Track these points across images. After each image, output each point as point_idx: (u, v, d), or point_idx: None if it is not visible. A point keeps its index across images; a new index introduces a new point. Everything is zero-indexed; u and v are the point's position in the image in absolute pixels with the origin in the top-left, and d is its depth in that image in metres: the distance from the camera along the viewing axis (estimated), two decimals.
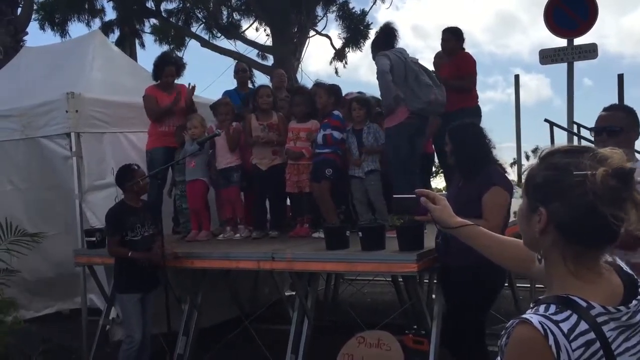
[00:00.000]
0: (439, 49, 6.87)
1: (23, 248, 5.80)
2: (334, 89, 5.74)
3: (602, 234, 1.31)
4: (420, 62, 5.47)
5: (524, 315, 1.29)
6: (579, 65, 8.16)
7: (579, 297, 1.30)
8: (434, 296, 4.67)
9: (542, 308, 1.31)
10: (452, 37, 6.64)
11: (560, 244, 1.35)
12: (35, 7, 15.64)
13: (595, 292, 1.32)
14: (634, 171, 1.31)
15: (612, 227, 1.29)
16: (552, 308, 1.29)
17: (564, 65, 8.01)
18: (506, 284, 6.01)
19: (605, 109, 3.20)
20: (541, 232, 1.36)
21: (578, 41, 7.89)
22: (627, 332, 1.32)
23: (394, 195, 2.29)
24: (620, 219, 1.28)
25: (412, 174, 5.29)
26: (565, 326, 1.25)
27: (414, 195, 2.09)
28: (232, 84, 7.19)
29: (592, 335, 1.26)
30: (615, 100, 8.44)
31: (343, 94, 5.91)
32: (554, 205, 1.34)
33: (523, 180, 1.48)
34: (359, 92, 6.24)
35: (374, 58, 5.44)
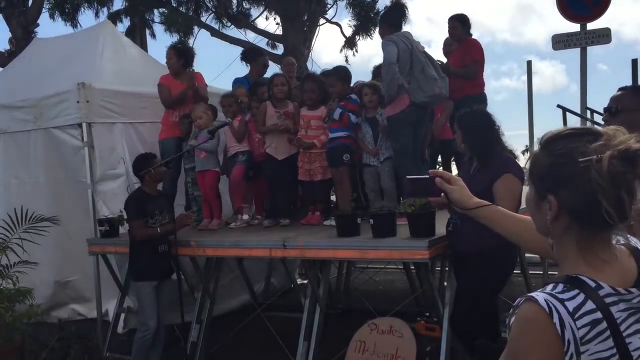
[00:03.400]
0: None
1: (38, 237, 5.85)
2: (344, 73, 5.66)
3: (614, 214, 1.29)
4: (432, 50, 5.48)
5: (530, 294, 1.30)
6: (594, 51, 8.13)
7: (589, 278, 1.30)
8: (445, 283, 4.67)
9: (549, 287, 1.31)
10: (459, 24, 6.60)
11: (573, 229, 1.35)
12: None
13: (606, 274, 1.31)
14: (638, 151, 1.28)
15: (624, 206, 1.28)
16: (560, 287, 1.30)
17: (579, 52, 7.92)
18: (518, 271, 5.99)
19: (618, 89, 3.17)
20: (553, 219, 1.36)
21: (591, 26, 7.80)
22: (639, 314, 1.31)
23: (407, 177, 2.25)
24: (626, 199, 1.27)
25: (414, 161, 5.27)
26: (571, 305, 1.25)
27: (428, 176, 2.05)
28: (241, 74, 7.18)
29: (598, 315, 1.25)
30: None
31: (352, 81, 5.89)
32: (562, 193, 1.33)
33: (528, 168, 1.47)
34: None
35: (381, 34, 5.44)
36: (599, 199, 1.27)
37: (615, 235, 1.37)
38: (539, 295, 1.28)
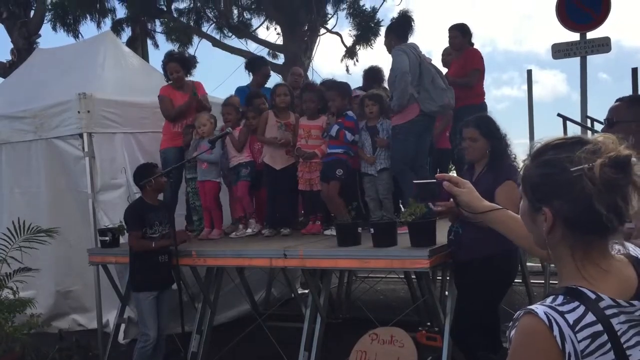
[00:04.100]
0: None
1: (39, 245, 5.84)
2: (346, 90, 5.71)
3: (616, 220, 1.28)
4: (433, 61, 5.51)
5: (530, 306, 1.28)
6: (595, 60, 8.12)
7: (588, 289, 1.28)
8: (446, 292, 4.65)
9: (549, 299, 1.30)
10: (459, 33, 6.63)
11: (570, 238, 1.34)
12: (47, 7, 15.77)
13: (605, 284, 1.30)
14: (630, 157, 1.28)
15: (621, 211, 1.27)
16: (560, 299, 1.28)
17: (579, 60, 7.93)
18: (520, 280, 5.98)
19: (615, 100, 3.19)
20: (549, 231, 1.35)
21: (591, 35, 7.80)
22: None
23: (415, 181, 2.23)
24: (623, 205, 1.27)
25: (419, 171, 5.29)
26: (571, 317, 1.24)
27: (435, 180, 2.01)
28: (242, 83, 7.19)
29: (599, 327, 1.24)
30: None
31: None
32: (556, 204, 1.32)
33: (520, 180, 1.45)
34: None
35: (386, 44, 5.46)
36: (594, 207, 1.26)
37: (612, 244, 1.36)
38: (538, 308, 1.26)
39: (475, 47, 6.77)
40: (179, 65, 6.22)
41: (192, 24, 16.79)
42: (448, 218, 4.09)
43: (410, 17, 5.58)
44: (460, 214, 2.08)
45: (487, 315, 4.02)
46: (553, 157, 1.34)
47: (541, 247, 1.43)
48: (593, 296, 1.27)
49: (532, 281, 6.54)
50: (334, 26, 17.21)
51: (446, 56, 6.91)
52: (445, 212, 3.55)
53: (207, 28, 17.04)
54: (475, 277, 3.91)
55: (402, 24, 5.55)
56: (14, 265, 5.73)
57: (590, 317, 1.24)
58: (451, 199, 2.01)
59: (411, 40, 5.53)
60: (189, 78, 6.42)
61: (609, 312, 1.26)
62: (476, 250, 3.76)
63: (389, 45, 5.44)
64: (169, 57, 6.33)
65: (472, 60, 6.48)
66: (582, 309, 1.25)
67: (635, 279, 1.34)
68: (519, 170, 4.09)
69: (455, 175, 6.74)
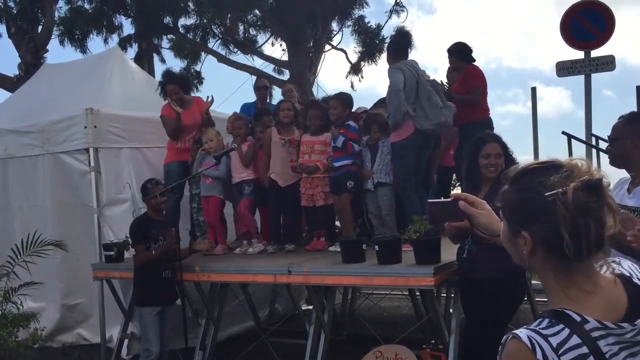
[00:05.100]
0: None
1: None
2: (349, 100, 5.76)
3: (588, 242, 1.29)
4: (439, 76, 5.51)
5: (515, 330, 1.30)
6: (599, 77, 8.09)
7: (574, 311, 1.29)
8: (451, 310, 4.63)
9: (535, 322, 1.31)
10: (450, 55, 6.67)
11: (551, 262, 1.34)
12: (55, 22, 15.91)
13: (591, 306, 1.30)
14: (601, 180, 1.30)
15: (598, 233, 1.28)
16: (545, 322, 1.29)
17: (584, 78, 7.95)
18: (525, 298, 5.94)
19: (618, 118, 3.22)
20: (530, 254, 1.36)
21: (595, 53, 7.83)
22: (633, 348, 1.29)
23: (429, 200, 2.20)
24: (596, 228, 1.28)
25: (419, 187, 5.29)
26: (555, 340, 1.25)
27: (451, 199, 1.96)
28: (248, 99, 7.25)
29: (584, 349, 1.24)
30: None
31: (355, 107, 5.97)
32: (534, 228, 1.33)
33: (499, 204, 1.46)
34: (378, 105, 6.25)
35: (387, 60, 5.49)
36: (568, 231, 1.27)
37: (597, 264, 1.37)
38: (522, 332, 1.28)
39: (477, 63, 6.77)
40: (178, 86, 6.26)
41: (198, 40, 16.91)
42: (448, 236, 4.02)
43: (407, 33, 5.59)
44: (473, 234, 2.00)
45: (498, 333, 3.98)
46: (529, 181, 1.36)
47: (525, 268, 1.44)
48: (578, 319, 1.28)
49: (537, 299, 6.49)
50: (339, 42, 17.29)
51: (450, 73, 6.94)
52: (455, 231, 3.51)
53: (213, 44, 17.15)
54: (489, 295, 3.87)
55: (399, 41, 5.57)
56: (23, 279, 5.74)
57: (574, 340, 1.25)
58: (465, 220, 1.96)
59: (415, 57, 5.57)
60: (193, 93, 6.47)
61: (595, 334, 1.26)
62: (492, 268, 3.70)
63: (390, 63, 5.47)
64: (168, 78, 6.36)
65: (471, 78, 6.47)
66: (566, 331, 1.26)
67: (625, 299, 1.34)
68: None
69: (460, 190, 6.73)
